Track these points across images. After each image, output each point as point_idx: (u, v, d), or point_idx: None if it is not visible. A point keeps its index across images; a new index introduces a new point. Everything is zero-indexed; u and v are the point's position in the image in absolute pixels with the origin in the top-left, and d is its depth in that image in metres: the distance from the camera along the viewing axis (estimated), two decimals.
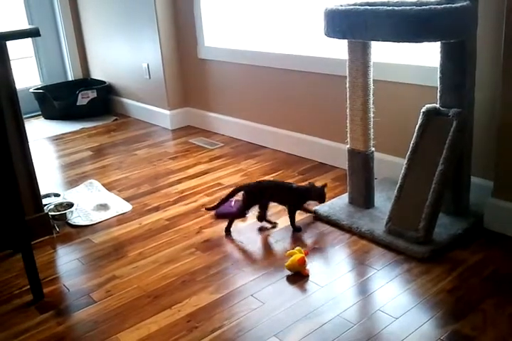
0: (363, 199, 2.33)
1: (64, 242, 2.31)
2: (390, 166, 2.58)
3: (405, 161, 2.13)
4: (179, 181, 2.90)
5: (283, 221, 2.35)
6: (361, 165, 2.28)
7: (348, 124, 2.28)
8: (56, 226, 2.41)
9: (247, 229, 2.31)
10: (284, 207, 2.34)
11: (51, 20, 4.51)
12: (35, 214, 2.31)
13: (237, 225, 2.35)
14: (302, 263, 1.94)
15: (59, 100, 4.24)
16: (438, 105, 2.10)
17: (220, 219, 2.40)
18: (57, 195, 2.68)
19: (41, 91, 4.26)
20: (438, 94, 2.10)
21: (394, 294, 1.81)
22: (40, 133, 3.95)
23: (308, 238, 2.21)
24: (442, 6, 1.79)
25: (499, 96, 2.01)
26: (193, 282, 1.95)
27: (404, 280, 1.88)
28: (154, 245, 2.24)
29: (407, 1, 2.05)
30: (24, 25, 4.12)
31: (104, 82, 4.39)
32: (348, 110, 2.26)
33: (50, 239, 2.33)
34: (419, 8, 1.79)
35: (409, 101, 2.48)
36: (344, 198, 2.43)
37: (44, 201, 2.43)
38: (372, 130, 2.26)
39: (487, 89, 2.18)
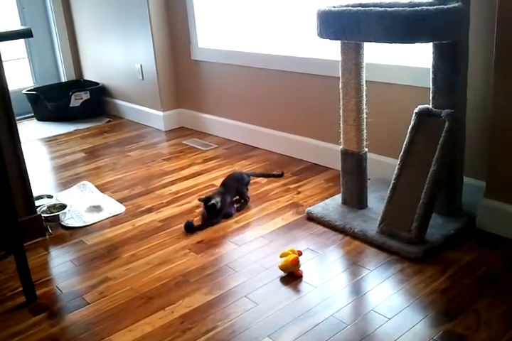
0: (356, 199, 2.33)
1: (57, 244, 2.30)
2: (383, 167, 2.59)
3: (398, 162, 2.14)
4: (173, 182, 2.89)
5: (276, 222, 2.36)
6: (354, 165, 2.29)
7: (341, 125, 2.29)
8: (49, 228, 2.41)
9: (240, 230, 2.31)
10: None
11: (44, 21, 4.50)
12: (27, 215, 2.30)
13: (231, 226, 2.35)
14: (295, 263, 1.94)
15: (52, 101, 4.23)
16: (430, 106, 2.11)
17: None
18: (50, 197, 2.66)
19: (34, 92, 4.25)
20: (430, 95, 2.10)
21: (387, 294, 1.81)
22: (33, 135, 3.93)
23: (302, 239, 2.21)
24: (434, 7, 1.80)
25: (491, 97, 2.02)
26: (187, 283, 1.95)
27: (397, 280, 1.88)
28: (147, 246, 2.23)
29: (400, 2, 2.06)
30: (17, 25, 4.11)
31: (98, 84, 4.38)
32: (341, 111, 2.26)
33: (43, 241, 2.33)
34: (411, 9, 1.80)
35: (402, 102, 2.49)
36: (337, 199, 2.43)
37: (37, 202, 2.43)
38: (365, 131, 2.26)
39: (479, 89, 2.19)
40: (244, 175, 2.62)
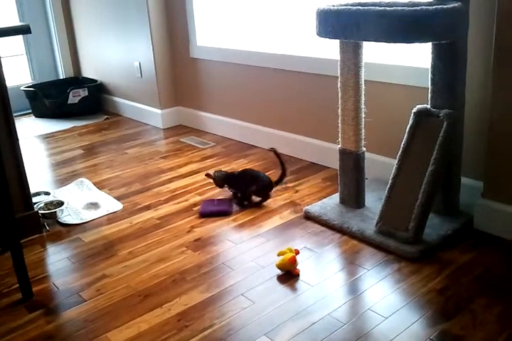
0: (353, 199, 2.34)
1: (54, 241, 2.30)
2: (380, 166, 2.59)
3: (396, 161, 2.14)
4: (170, 180, 2.89)
5: (273, 220, 2.36)
6: (352, 165, 2.29)
7: (339, 124, 2.29)
8: (46, 225, 2.40)
9: (237, 228, 2.32)
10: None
11: (42, 17, 4.48)
12: (25, 212, 2.30)
13: (229, 224, 2.35)
14: (293, 262, 1.94)
15: (50, 98, 4.22)
16: (429, 106, 2.11)
17: (209, 218, 2.40)
18: (47, 194, 2.66)
19: (32, 89, 4.23)
20: (429, 95, 2.11)
21: (384, 294, 1.81)
22: (31, 132, 3.93)
23: (299, 237, 2.21)
24: (434, 7, 1.80)
25: (490, 97, 2.02)
26: (184, 281, 1.95)
27: (394, 279, 1.89)
28: (145, 244, 2.23)
29: (399, 2, 2.06)
30: (15, 22, 4.10)
31: (96, 81, 4.37)
32: (339, 110, 2.26)
33: (40, 238, 2.32)
34: (410, 8, 1.80)
35: (401, 102, 2.49)
36: (335, 198, 2.43)
37: (34, 199, 2.42)
38: (363, 130, 2.26)
39: (478, 89, 2.19)
40: (262, 178, 2.54)
